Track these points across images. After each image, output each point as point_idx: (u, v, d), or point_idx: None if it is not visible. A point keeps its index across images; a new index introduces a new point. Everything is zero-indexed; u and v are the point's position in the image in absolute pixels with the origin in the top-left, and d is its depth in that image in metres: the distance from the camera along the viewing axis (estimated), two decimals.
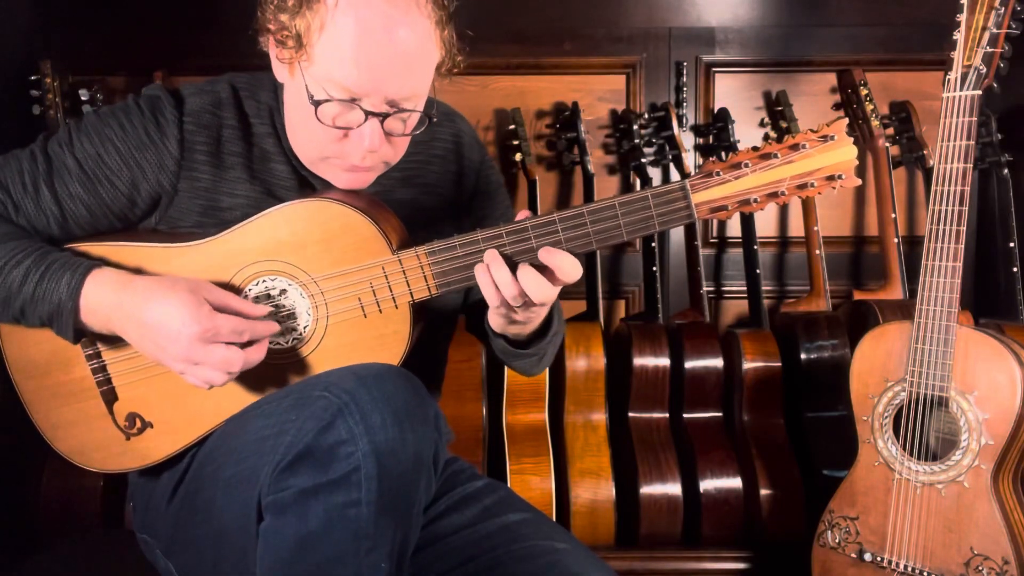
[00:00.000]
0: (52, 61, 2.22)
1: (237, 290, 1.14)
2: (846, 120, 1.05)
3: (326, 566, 0.95)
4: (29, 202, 1.16)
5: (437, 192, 1.30)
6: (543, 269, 1.06)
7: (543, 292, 1.06)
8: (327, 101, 1.08)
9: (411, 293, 1.11)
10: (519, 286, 1.05)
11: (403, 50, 1.07)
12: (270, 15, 1.11)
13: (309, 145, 1.16)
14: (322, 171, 1.18)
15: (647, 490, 2.02)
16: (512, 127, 2.35)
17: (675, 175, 2.42)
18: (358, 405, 0.95)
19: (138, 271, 1.15)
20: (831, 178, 1.03)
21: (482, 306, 1.27)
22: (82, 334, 1.14)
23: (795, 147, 1.03)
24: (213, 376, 1.08)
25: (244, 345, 1.09)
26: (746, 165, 1.04)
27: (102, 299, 1.10)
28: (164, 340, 1.07)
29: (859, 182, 1.05)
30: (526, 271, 1.06)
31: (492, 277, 1.06)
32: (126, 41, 2.39)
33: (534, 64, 2.44)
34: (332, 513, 0.94)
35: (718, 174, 1.04)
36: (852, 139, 1.04)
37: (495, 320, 1.15)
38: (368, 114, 1.09)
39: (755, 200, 1.05)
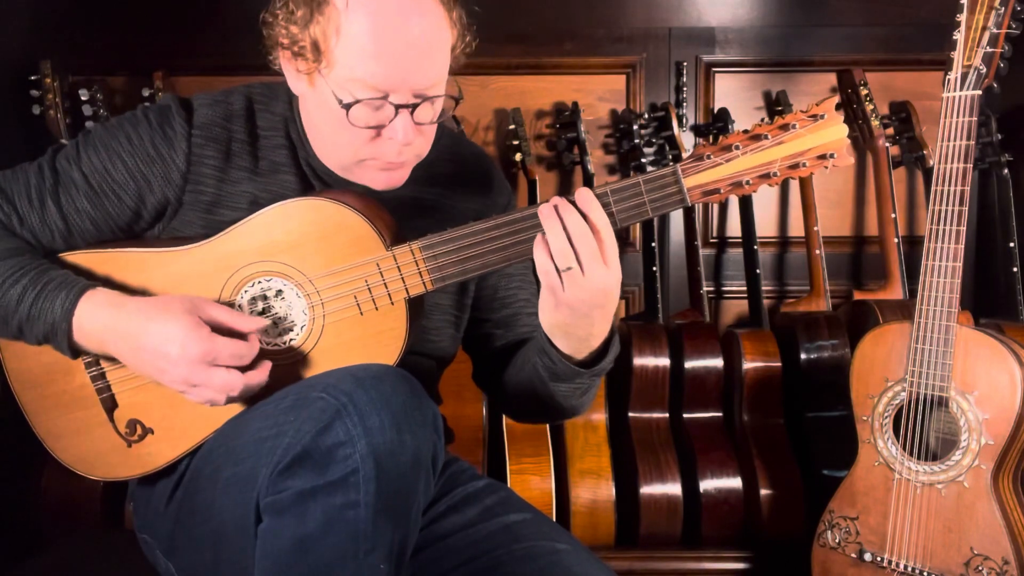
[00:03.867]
0: (52, 61, 2.22)
1: (230, 303, 1.14)
2: (836, 98, 1.04)
3: (325, 568, 0.95)
4: (34, 216, 1.16)
5: (455, 224, 1.28)
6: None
7: (585, 241, 1.03)
8: (356, 103, 1.08)
9: (406, 289, 1.11)
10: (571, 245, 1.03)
11: (420, 37, 1.07)
12: (281, 30, 1.10)
13: (342, 151, 1.15)
14: (357, 176, 1.17)
15: (647, 490, 2.02)
16: (512, 127, 2.35)
17: None
18: (356, 407, 0.95)
19: (136, 290, 1.15)
20: (823, 157, 1.02)
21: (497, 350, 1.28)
22: (80, 351, 1.14)
23: (785, 127, 1.02)
24: (214, 397, 1.08)
25: (245, 368, 1.09)
26: (736, 147, 1.03)
27: (95, 322, 1.10)
28: (163, 363, 1.07)
29: (851, 161, 1.04)
30: (567, 211, 1.04)
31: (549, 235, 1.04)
32: (126, 41, 2.39)
33: (534, 64, 2.44)
34: (331, 515, 0.94)
35: (709, 157, 1.03)
36: (842, 116, 1.03)
37: (547, 311, 1.10)
38: (398, 108, 1.08)
39: (747, 182, 1.04)
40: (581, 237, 1.03)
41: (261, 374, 1.10)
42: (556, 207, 1.05)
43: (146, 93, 2.30)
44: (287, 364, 1.14)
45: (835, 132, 1.02)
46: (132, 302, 1.10)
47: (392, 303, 1.11)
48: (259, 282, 1.13)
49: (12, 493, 2.00)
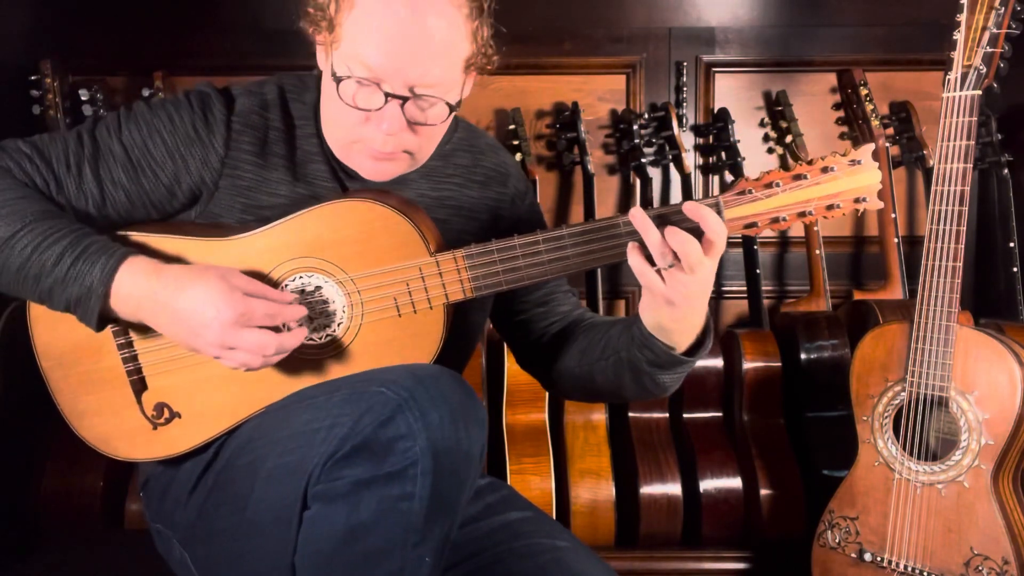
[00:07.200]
0: (52, 61, 2.22)
1: (274, 283, 1.15)
2: (872, 146, 1.08)
3: (373, 556, 0.97)
4: (71, 182, 1.17)
5: (473, 217, 1.30)
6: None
7: (689, 248, 1.03)
8: (347, 78, 1.10)
9: (446, 295, 1.13)
10: (667, 245, 1.04)
11: (427, 35, 1.09)
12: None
13: (336, 128, 1.18)
14: (350, 159, 1.19)
15: (647, 490, 2.02)
16: (512, 127, 2.36)
17: (675, 175, 2.42)
18: (417, 402, 0.97)
19: (177, 261, 1.16)
20: (857, 200, 1.08)
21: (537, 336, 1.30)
22: (107, 322, 1.13)
23: (825, 169, 1.08)
24: (249, 359, 1.09)
25: (277, 330, 1.10)
26: (778, 184, 1.07)
27: (134, 287, 1.10)
28: (198, 327, 1.07)
29: (881, 205, 1.09)
30: (672, 229, 1.05)
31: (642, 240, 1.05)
32: (126, 41, 2.39)
33: (534, 64, 2.44)
34: (385, 505, 0.96)
35: (751, 192, 1.07)
36: (877, 164, 1.08)
37: (650, 311, 1.13)
38: (388, 96, 1.10)
39: (784, 218, 1.08)
40: (675, 236, 1.04)
41: (295, 337, 1.11)
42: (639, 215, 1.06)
43: (146, 93, 2.30)
44: (323, 358, 1.16)
45: (869, 177, 1.08)
46: (169, 269, 1.11)
47: (431, 307, 1.13)
48: (300, 277, 1.15)
49: (12, 493, 2.00)
